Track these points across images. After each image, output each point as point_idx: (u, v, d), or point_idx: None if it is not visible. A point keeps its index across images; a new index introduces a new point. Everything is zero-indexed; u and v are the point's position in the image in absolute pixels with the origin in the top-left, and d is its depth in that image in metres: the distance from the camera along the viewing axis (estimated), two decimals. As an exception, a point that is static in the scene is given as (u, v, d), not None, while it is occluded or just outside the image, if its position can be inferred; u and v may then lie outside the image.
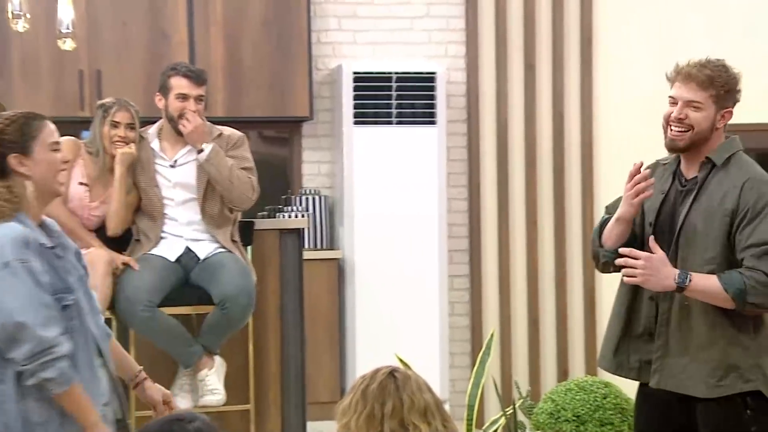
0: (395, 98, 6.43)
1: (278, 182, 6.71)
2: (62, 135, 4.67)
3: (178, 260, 4.49)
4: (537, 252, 6.64)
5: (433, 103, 6.40)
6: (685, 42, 6.31)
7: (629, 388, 4.65)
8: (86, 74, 6.17)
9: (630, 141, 6.63)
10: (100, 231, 4.52)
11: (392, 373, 2.48)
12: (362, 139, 6.44)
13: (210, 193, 4.51)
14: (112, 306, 4.35)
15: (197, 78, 4.52)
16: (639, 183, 3.22)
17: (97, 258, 4.27)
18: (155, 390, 3.25)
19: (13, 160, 2.96)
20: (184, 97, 4.48)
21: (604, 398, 4.40)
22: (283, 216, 6.37)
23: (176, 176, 4.53)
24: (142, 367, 3.29)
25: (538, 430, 4.42)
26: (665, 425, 3.35)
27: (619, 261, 3.19)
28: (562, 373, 6.59)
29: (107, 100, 4.59)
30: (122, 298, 4.32)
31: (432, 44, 6.83)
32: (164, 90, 4.52)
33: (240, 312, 4.40)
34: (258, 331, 4.66)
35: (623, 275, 3.20)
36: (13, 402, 2.89)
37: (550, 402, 4.46)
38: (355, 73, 6.45)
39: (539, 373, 6.64)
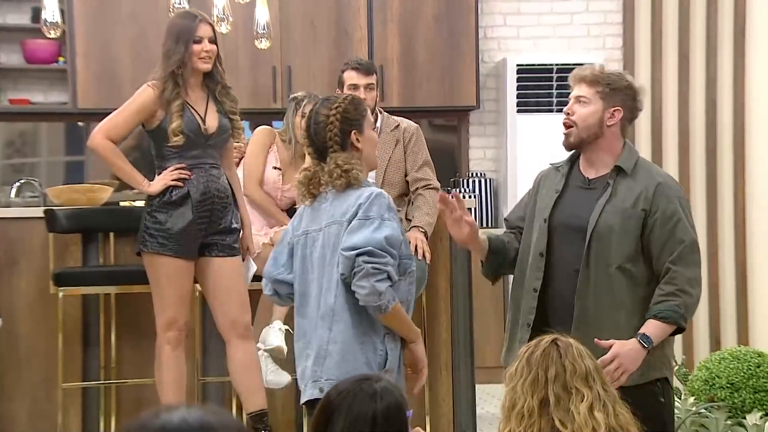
0: (556, 88, 6.34)
1: (447, 166, 6.70)
2: (258, 125, 4.81)
3: (358, 237, 4.51)
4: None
5: (591, 92, 6.27)
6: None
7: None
8: (279, 70, 6.28)
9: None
10: (290, 211, 4.59)
11: (555, 341, 2.43)
12: (525, 126, 6.37)
13: (387, 179, 4.51)
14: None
15: (365, 69, 4.50)
16: (450, 206, 3.10)
17: (289, 234, 4.32)
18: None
19: (353, 136, 3.00)
20: (354, 87, 4.49)
21: (758, 367, 4.22)
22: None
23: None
24: None
25: (693, 395, 4.28)
26: None
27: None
28: (715, 344, 6.38)
29: (299, 93, 4.62)
30: (311, 271, 4.35)
31: (590, 37, 6.70)
32: (340, 84, 4.55)
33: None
34: (430, 301, 4.64)
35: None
36: None
37: (705, 370, 4.31)
38: (518, 65, 6.41)
39: (692, 343, 6.44)
